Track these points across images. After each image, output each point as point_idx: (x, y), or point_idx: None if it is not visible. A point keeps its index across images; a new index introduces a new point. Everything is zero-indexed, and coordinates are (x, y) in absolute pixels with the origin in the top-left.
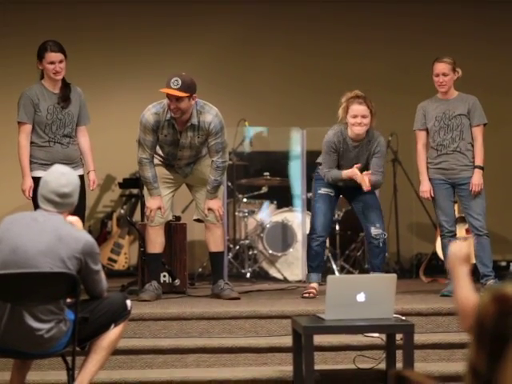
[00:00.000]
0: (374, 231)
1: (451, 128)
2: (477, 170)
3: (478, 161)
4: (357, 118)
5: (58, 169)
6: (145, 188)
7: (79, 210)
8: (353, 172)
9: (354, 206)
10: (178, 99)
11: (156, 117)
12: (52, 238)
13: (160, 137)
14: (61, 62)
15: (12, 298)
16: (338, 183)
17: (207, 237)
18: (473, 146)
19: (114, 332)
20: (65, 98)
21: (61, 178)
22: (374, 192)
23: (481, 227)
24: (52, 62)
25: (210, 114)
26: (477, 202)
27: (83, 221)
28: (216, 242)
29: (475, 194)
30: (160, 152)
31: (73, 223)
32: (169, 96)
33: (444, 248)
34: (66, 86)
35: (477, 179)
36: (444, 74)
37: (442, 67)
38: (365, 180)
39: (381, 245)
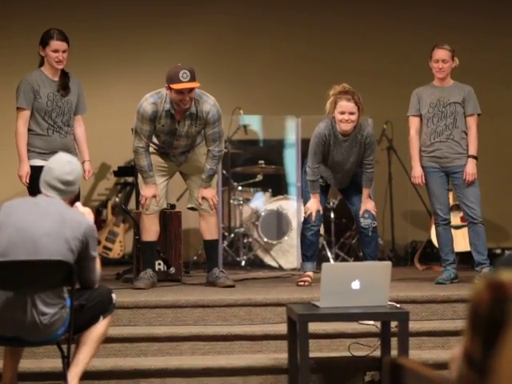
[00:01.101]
0: (362, 221)
1: (445, 115)
2: (470, 160)
3: (472, 150)
4: (344, 114)
5: (63, 157)
6: (139, 176)
7: (74, 199)
8: (310, 207)
9: (345, 196)
10: (191, 90)
11: (154, 107)
12: (56, 220)
13: (157, 126)
14: (64, 51)
15: (15, 284)
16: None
17: (201, 225)
18: (466, 134)
19: (102, 324)
20: (64, 86)
21: (66, 165)
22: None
23: (475, 215)
24: (56, 51)
25: (208, 104)
26: (471, 190)
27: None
28: (210, 230)
29: (469, 183)
30: (155, 140)
31: (84, 214)
32: (181, 90)
33: (438, 236)
34: (64, 75)
35: (470, 168)
36: (444, 61)
37: (443, 53)
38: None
39: (370, 234)
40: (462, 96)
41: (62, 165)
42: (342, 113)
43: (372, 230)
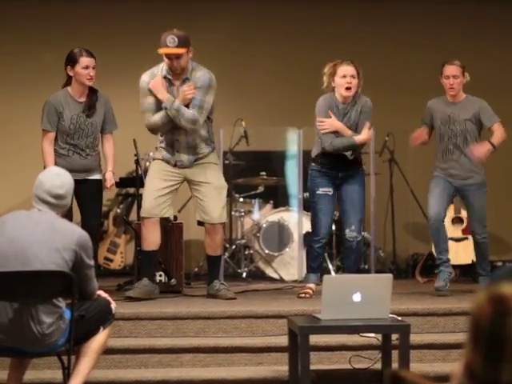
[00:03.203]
0: (348, 233)
1: (455, 134)
2: (487, 143)
3: (494, 140)
4: (346, 77)
5: (53, 170)
6: (141, 189)
7: (94, 214)
8: (366, 136)
9: (340, 204)
10: (178, 56)
11: (151, 75)
12: (47, 230)
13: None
14: (94, 67)
15: (11, 295)
16: (342, 152)
17: (206, 241)
18: None
19: (102, 335)
20: (90, 106)
21: (56, 179)
22: (363, 191)
23: (480, 231)
24: (87, 67)
25: (202, 70)
26: (479, 205)
27: (98, 224)
28: (214, 246)
29: (472, 156)
30: (160, 136)
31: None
32: (168, 55)
33: (432, 234)
34: (92, 94)
35: (482, 148)
36: (455, 77)
37: (453, 69)
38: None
39: (353, 247)
40: (472, 112)
41: (52, 178)
42: (344, 76)
43: (356, 243)
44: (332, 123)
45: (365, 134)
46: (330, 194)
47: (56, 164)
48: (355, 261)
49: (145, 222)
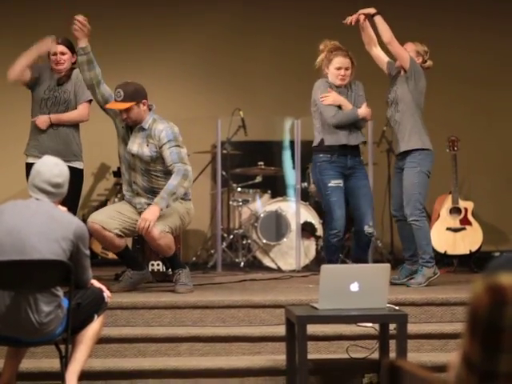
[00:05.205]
0: (367, 229)
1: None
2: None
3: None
4: (341, 70)
5: (51, 160)
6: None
7: (73, 201)
8: (367, 110)
9: (350, 199)
10: (127, 109)
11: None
12: (45, 220)
13: (118, 126)
14: (62, 53)
15: (9, 284)
16: (345, 125)
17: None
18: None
19: (97, 322)
20: (62, 76)
21: (54, 168)
22: (369, 186)
23: (409, 212)
24: (54, 53)
25: (163, 124)
26: (406, 184)
27: (75, 212)
28: (161, 251)
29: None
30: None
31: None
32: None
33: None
34: (69, 71)
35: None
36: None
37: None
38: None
39: (370, 242)
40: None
41: (50, 168)
42: (339, 68)
43: (372, 239)
44: (335, 97)
45: (365, 108)
46: (341, 185)
47: (32, 146)
48: (368, 253)
49: (88, 227)
